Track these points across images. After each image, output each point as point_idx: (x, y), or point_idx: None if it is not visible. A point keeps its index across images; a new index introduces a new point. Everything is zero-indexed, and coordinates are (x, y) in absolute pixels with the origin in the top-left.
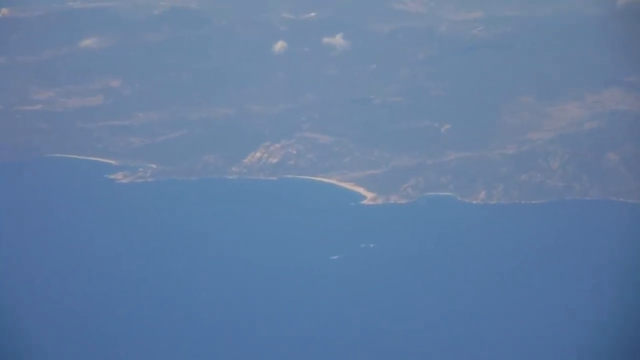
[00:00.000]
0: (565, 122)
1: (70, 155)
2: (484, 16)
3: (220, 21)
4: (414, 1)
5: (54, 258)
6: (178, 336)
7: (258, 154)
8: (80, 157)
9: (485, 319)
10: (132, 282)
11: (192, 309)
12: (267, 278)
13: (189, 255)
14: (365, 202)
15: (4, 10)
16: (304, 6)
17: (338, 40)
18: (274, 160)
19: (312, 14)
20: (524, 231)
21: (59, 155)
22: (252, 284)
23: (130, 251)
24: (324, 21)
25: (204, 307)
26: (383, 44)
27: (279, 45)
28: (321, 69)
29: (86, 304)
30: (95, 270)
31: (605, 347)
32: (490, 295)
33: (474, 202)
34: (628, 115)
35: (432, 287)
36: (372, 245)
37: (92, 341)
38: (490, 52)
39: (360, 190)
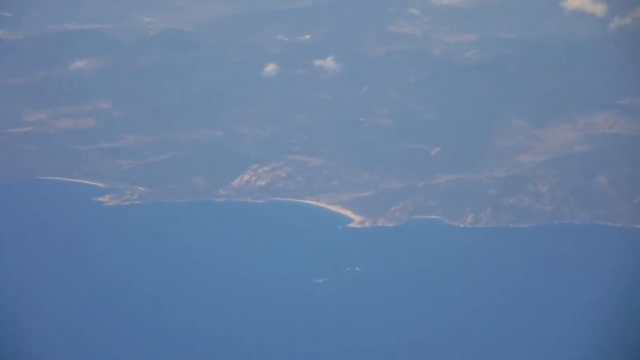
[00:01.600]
0: (556, 145)
1: (59, 178)
2: (478, 38)
3: (212, 43)
4: (409, 23)
5: (36, 280)
6: (156, 355)
7: (246, 177)
8: (69, 180)
9: (472, 343)
10: (117, 304)
11: (175, 331)
12: (250, 300)
13: (173, 278)
14: (352, 225)
15: None
16: (299, 28)
17: (329, 62)
18: (262, 183)
19: (307, 36)
20: (510, 255)
21: (48, 177)
22: (236, 306)
23: (114, 274)
24: (318, 43)
25: (187, 329)
26: (375, 66)
27: (270, 68)
28: (312, 91)
29: (71, 326)
30: (79, 293)
31: None
32: (477, 319)
33: (462, 225)
34: (619, 138)
35: (417, 311)
36: (357, 268)
37: None
38: (482, 75)
39: (348, 213)
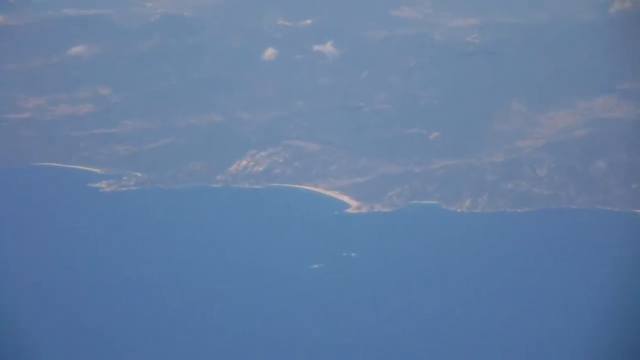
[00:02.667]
0: (555, 129)
1: (56, 164)
2: (479, 23)
3: (213, 28)
4: (411, 7)
5: (33, 266)
6: (154, 342)
7: (244, 162)
8: (66, 166)
9: (469, 327)
10: (113, 290)
11: (169, 316)
12: (246, 286)
13: (169, 264)
14: (349, 210)
15: None
16: (300, 13)
17: (328, 47)
18: (260, 169)
19: (308, 21)
20: (507, 240)
21: (45, 163)
22: (232, 291)
23: (109, 260)
24: (318, 28)
25: (183, 314)
26: (376, 51)
27: (269, 53)
28: (312, 77)
29: (66, 311)
30: (75, 278)
31: (591, 354)
32: (474, 303)
33: (459, 210)
34: (619, 122)
35: (413, 296)
36: (353, 254)
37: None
38: (483, 59)
39: (345, 198)
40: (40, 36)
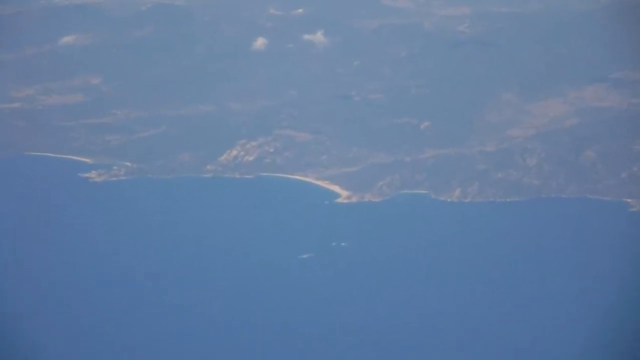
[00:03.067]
0: (546, 119)
1: (46, 154)
2: (471, 12)
3: (204, 17)
4: None
5: (22, 256)
6: (140, 330)
7: (234, 152)
8: (56, 156)
9: (459, 318)
10: (102, 280)
11: (159, 307)
12: (235, 276)
13: (157, 254)
14: (339, 200)
15: None
16: (292, 2)
17: (318, 37)
18: (250, 158)
19: (300, 10)
20: (496, 229)
21: (35, 153)
22: (221, 281)
23: (98, 250)
24: (310, 17)
25: (172, 305)
26: (367, 41)
27: (259, 42)
28: (304, 66)
29: (56, 300)
30: (65, 268)
31: (584, 345)
32: (464, 293)
33: (449, 200)
34: (610, 112)
35: (402, 286)
36: (343, 243)
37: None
38: (474, 49)
39: (336, 188)
40: (31, 25)
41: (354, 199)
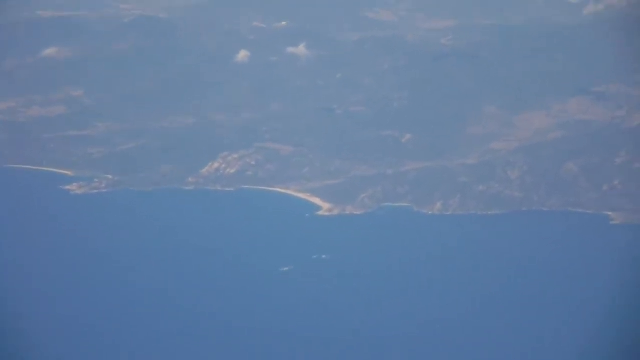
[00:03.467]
0: (529, 132)
1: (27, 166)
2: (454, 25)
3: (187, 30)
4: (386, 10)
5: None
6: (119, 342)
7: (216, 165)
8: (37, 168)
9: (438, 330)
10: (81, 293)
11: (135, 318)
12: (214, 288)
13: (135, 267)
14: (321, 212)
15: None
16: (276, 15)
17: (301, 50)
18: (232, 171)
19: (283, 23)
20: (477, 242)
21: (16, 165)
22: (200, 295)
23: (76, 262)
24: (293, 30)
25: (150, 317)
26: (350, 53)
27: (242, 55)
28: (287, 79)
29: (33, 310)
30: (43, 281)
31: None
32: (444, 305)
33: (430, 212)
34: (593, 125)
35: (383, 299)
36: (324, 256)
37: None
38: (457, 62)
39: (317, 200)
40: (13, 38)
41: (336, 212)
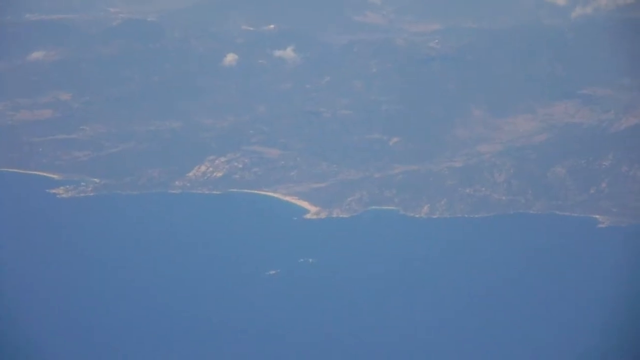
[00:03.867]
0: (516, 135)
1: (13, 170)
2: (442, 28)
3: (176, 33)
4: (374, 13)
5: None
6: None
7: (203, 168)
8: (24, 172)
9: (426, 333)
10: (65, 295)
11: (122, 324)
12: (200, 292)
13: (121, 271)
14: (308, 216)
15: None
16: (264, 18)
17: (289, 53)
18: (219, 174)
19: (272, 26)
20: (464, 245)
21: (3, 169)
22: (186, 298)
23: (60, 267)
24: (281, 33)
25: (134, 321)
26: (338, 57)
27: (230, 58)
28: (273, 82)
29: (21, 315)
30: (26, 284)
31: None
32: (429, 308)
33: (417, 216)
34: (579, 128)
35: (369, 302)
36: (311, 259)
37: None
38: (444, 65)
39: (304, 204)
40: (0, 41)
41: (323, 215)
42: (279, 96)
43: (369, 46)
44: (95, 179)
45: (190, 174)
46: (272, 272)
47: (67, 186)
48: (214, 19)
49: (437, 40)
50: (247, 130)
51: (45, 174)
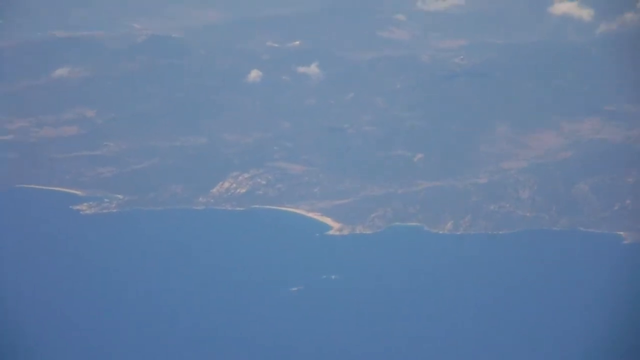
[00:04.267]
0: (541, 151)
1: (38, 186)
2: (467, 44)
3: (200, 50)
4: (400, 29)
5: (9, 287)
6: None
7: (226, 184)
8: (48, 188)
9: (450, 351)
10: (90, 313)
11: (145, 341)
12: (224, 308)
13: (145, 287)
14: (331, 232)
15: None
16: (290, 34)
17: (313, 69)
18: (243, 191)
19: (297, 42)
20: (488, 262)
21: (27, 185)
22: (211, 314)
23: (85, 283)
24: (306, 49)
25: (159, 336)
26: (362, 73)
27: (254, 75)
28: (297, 98)
29: (46, 330)
30: (51, 300)
31: None
32: (456, 327)
33: (441, 232)
34: (604, 144)
35: (392, 319)
36: (333, 276)
37: None
38: (469, 81)
39: (327, 220)
40: (26, 58)
41: (346, 232)
42: (302, 112)
43: (393, 62)
44: (119, 195)
45: (214, 190)
46: (295, 288)
47: (91, 202)
48: (239, 36)
49: (462, 57)
50: (270, 147)
51: (68, 190)
